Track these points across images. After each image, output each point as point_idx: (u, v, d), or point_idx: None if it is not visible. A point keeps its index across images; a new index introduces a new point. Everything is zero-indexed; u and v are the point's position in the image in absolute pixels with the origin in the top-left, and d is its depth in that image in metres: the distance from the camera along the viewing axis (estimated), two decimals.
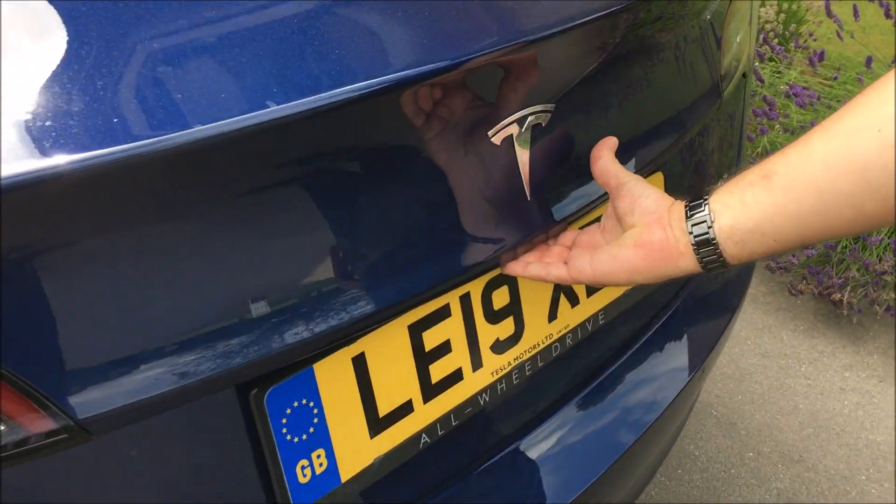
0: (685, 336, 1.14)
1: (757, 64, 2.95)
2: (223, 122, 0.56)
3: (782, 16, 3.34)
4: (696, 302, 1.20)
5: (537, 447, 0.94)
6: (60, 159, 0.51)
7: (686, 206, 0.73)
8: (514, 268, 0.82)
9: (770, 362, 2.12)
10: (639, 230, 0.75)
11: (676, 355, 1.10)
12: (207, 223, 0.62)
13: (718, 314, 1.22)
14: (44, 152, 0.51)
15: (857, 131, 0.62)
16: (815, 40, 3.29)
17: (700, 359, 1.11)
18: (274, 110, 0.58)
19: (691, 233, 0.71)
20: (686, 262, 0.73)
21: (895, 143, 0.60)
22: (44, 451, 0.58)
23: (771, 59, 3.08)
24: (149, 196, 0.58)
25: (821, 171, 0.64)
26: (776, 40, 3.15)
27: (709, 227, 0.70)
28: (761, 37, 3.10)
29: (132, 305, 0.59)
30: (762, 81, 2.84)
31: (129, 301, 0.59)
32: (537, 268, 0.81)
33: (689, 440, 1.86)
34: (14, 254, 0.54)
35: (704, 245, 0.71)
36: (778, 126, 2.68)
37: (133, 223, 0.59)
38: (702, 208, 0.72)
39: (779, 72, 2.99)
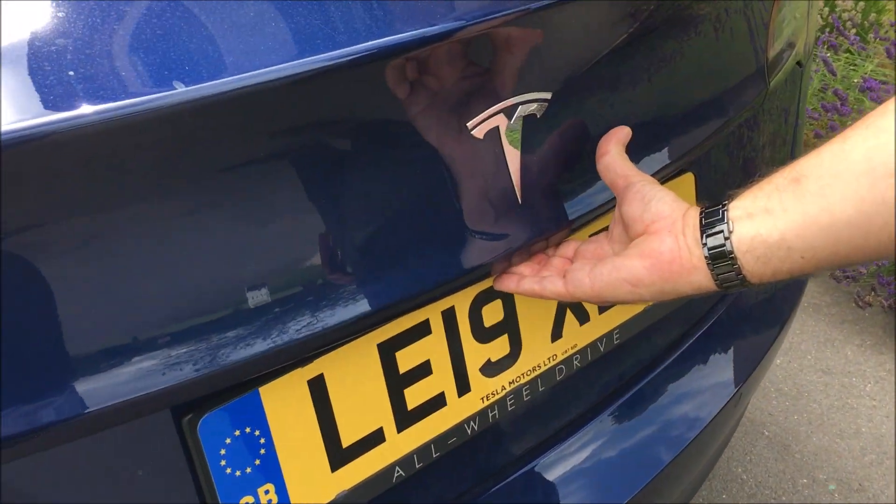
0: (719, 359, 1.01)
1: (830, 55, 2.74)
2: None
3: (861, 4, 3.11)
4: (735, 318, 1.06)
5: (537, 482, 0.84)
6: None
7: (702, 213, 0.62)
8: (506, 283, 0.72)
9: (832, 379, 1.95)
10: (647, 238, 0.64)
11: (707, 381, 0.98)
12: (130, 220, 0.53)
13: (760, 334, 1.08)
14: None
15: None
16: None
17: (736, 384, 0.99)
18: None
19: (705, 244, 0.60)
20: (699, 277, 0.62)
21: None
22: None
23: (847, 51, 2.86)
24: (78, 186, 0.50)
25: (860, 174, 0.52)
26: (853, 30, 2.93)
27: (725, 239, 0.59)
28: (836, 27, 2.89)
29: (36, 312, 0.51)
30: (834, 74, 2.64)
31: (32, 306, 0.51)
32: (531, 283, 0.70)
33: (736, 462, 1.72)
34: None
35: (720, 259, 0.60)
36: (850, 123, 2.48)
37: (50, 217, 0.50)
38: (719, 215, 0.60)
39: (854, 64, 2.78)
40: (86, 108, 0.46)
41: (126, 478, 0.60)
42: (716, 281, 0.61)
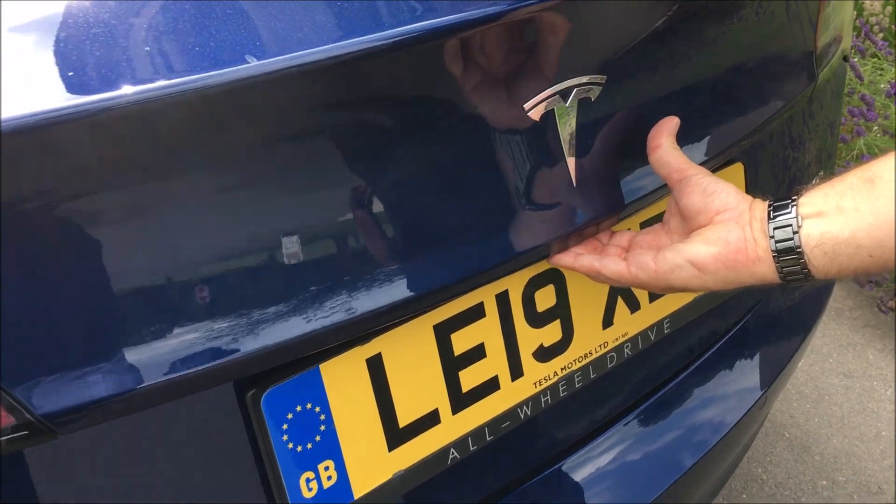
0: (746, 363, 1.01)
1: (857, 60, 2.73)
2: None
3: (889, 8, 3.10)
4: (763, 322, 1.06)
5: (584, 469, 0.84)
6: None
7: (769, 206, 0.63)
8: (562, 259, 0.72)
9: (853, 383, 1.92)
10: (713, 227, 0.64)
11: (734, 384, 0.97)
12: (198, 192, 0.54)
13: (787, 339, 1.07)
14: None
15: None
16: None
17: (763, 387, 0.98)
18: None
19: (772, 237, 0.61)
20: (763, 269, 0.62)
21: None
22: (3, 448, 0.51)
23: (873, 56, 2.85)
24: (145, 154, 0.51)
25: None
26: (881, 35, 2.91)
27: (794, 233, 0.60)
28: (863, 31, 2.88)
29: (105, 283, 0.52)
30: (861, 79, 2.63)
31: (102, 278, 0.52)
32: (590, 259, 0.70)
33: (756, 462, 1.70)
34: None
35: (787, 253, 0.61)
36: (876, 128, 2.46)
37: (112, 187, 0.51)
38: (788, 210, 0.61)
39: (881, 69, 2.77)
40: (160, 82, 0.47)
41: (189, 451, 0.60)
42: (780, 273, 0.62)
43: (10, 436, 0.51)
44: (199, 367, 0.55)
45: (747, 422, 0.97)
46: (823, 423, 1.80)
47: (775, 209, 0.62)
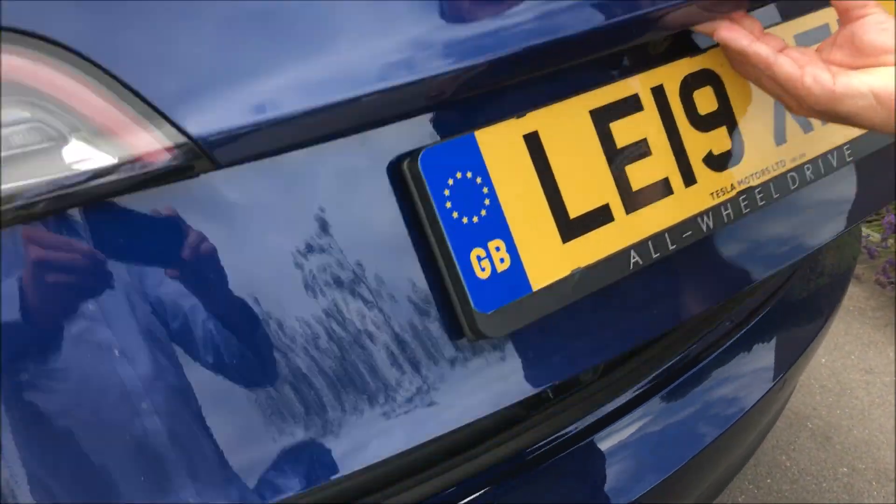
0: (767, 346, 0.92)
1: None
2: None
3: None
4: (786, 309, 0.97)
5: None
6: None
7: None
8: (736, 37, 0.65)
9: (874, 378, 1.98)
10: None
11: (758, 363, 0.88)
12: None
13: (807, 324, 0.98)
14: None
15: None
16: None
17: (779, 372, 0.89)
18: None
19: None
20: None
21: None
22: (161, 179, 0.49)
23: None
24: None
25: None
26: None
27: None
28: None
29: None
30: None
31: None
32: (767, 51, 0.65)
33: (780, 451, 1.77)
34: None
35: None
36: None
37: None
38: None
39: None
40: None
41: (346, 206, 0.55)
42: None
43: (170, 164, 0.49)
44: (362, 92, 0.53)
45: (773, 398, 0.92)
46: (845, 415, 1.88)
47: None
